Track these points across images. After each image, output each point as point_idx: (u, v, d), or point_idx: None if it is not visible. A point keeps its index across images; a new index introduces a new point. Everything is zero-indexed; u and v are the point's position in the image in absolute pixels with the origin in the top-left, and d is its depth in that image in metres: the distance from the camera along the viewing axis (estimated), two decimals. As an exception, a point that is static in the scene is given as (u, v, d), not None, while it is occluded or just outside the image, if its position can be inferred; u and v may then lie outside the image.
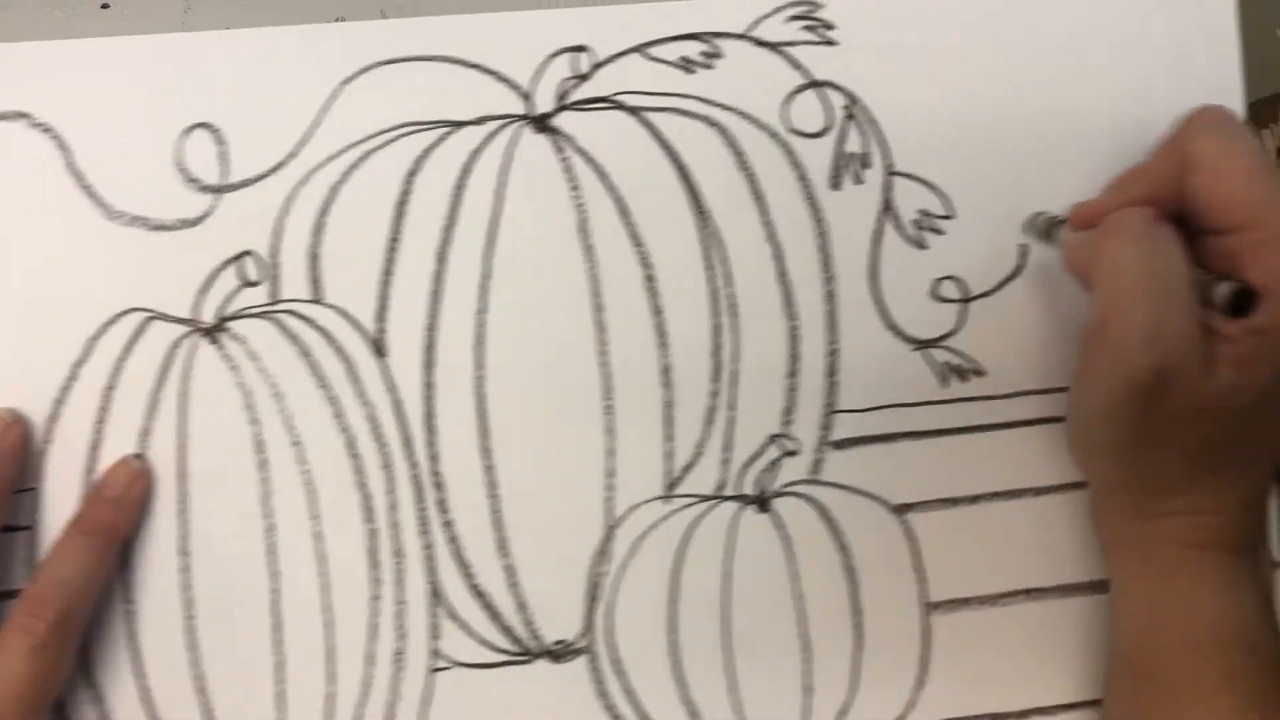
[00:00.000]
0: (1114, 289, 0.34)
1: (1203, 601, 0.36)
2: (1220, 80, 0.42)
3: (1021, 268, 0.42)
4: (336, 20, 0.40)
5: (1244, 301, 0.33)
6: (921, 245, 0.41)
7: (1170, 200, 0.36)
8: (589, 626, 0.40)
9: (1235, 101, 0.42)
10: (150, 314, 0.39)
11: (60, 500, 0.39)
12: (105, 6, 0.40)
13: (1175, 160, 0.35)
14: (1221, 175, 0.34)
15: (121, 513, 0.38)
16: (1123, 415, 0.35)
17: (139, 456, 0.39)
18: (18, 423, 0.38)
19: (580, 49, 0.41)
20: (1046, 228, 0.40)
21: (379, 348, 0.40)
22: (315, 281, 0.40)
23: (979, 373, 0.42)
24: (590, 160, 0.41)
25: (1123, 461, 0.37)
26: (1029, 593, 0.42)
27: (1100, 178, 0.41)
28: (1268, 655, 0.35)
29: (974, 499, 0.42)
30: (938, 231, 0.42)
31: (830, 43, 0.41)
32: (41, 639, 0.35)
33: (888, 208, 0.41)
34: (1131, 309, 0.34)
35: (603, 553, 0.40)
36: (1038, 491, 0.42)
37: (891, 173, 0.41)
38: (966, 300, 0.42)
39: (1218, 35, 0.42)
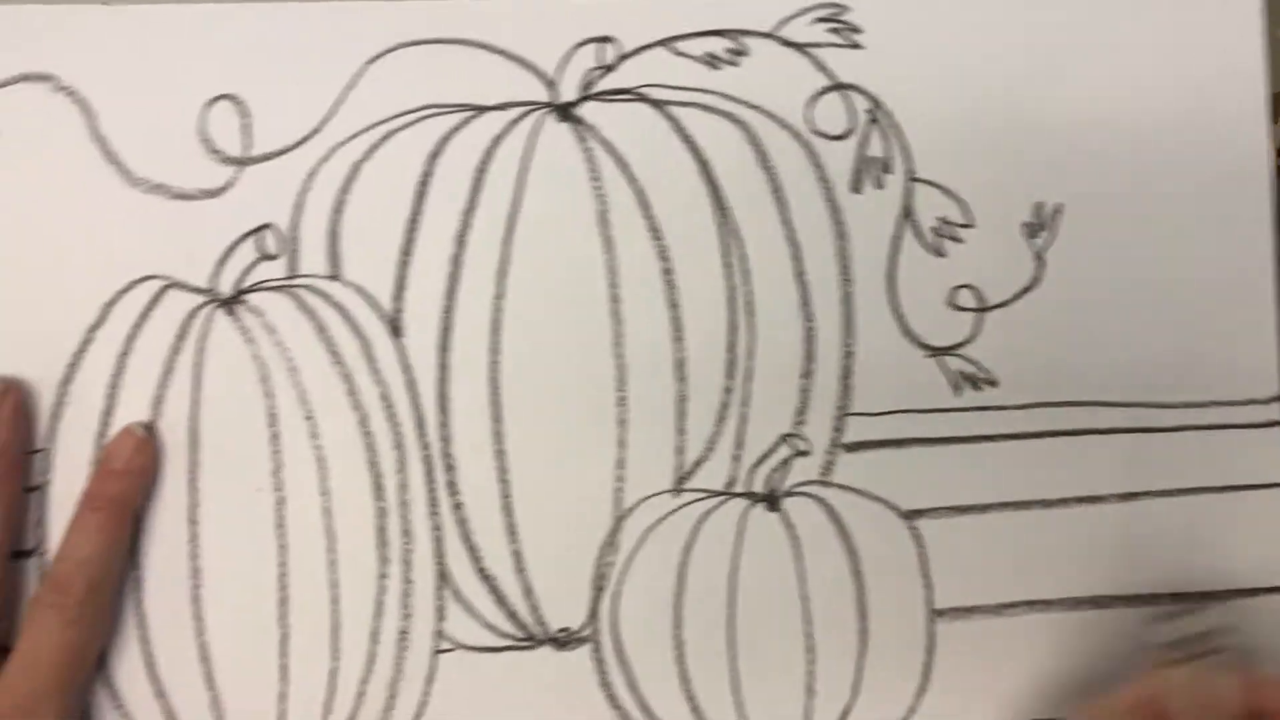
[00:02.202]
0: None
1: None
2: (1245, 84, 0.42)
3: (1038, 280, 0.42)
4: None
5: None
6: (940, 253, 0.42)
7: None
8: (594, 615, 0.40)
9: (1259, 102, 0.42)
10: (168, 282, 0.39)
11: (72, 462, 0.39)
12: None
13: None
14: None
15: (129, 484, 0.38)
16: None
17: (145, 425, 0.39)
18: (13, 390, 0.38)
19: (606, 40, 0.41)
20: (1184, 645, 0.39)
21: (395, 327, 0.40)
22: (334, 258, 0.40)
23: (992, 383, 0.42)
24: (612, 151, 0.41)
25: None
26: (1032, 604, 0.42)
27: (1124, 189, 0.41)
28: None
29: (983, 508, 0.42)
30: (956, 240, 0.42)
31: (856, 46, 0.41)
32: (73, 613, 0.36)
33: (908, 214, 0.41)
34: None
35: (610, 543, 0.40)
36: (1046, 504, 0.42)
37: (912, 179, 0.41)
38: (983, 310, 0.42)
39: (1243, 39, 0.42)
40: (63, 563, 0.37)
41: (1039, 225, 0.42)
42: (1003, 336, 0.42)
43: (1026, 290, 0.42)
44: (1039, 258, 0.42)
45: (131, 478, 0.38)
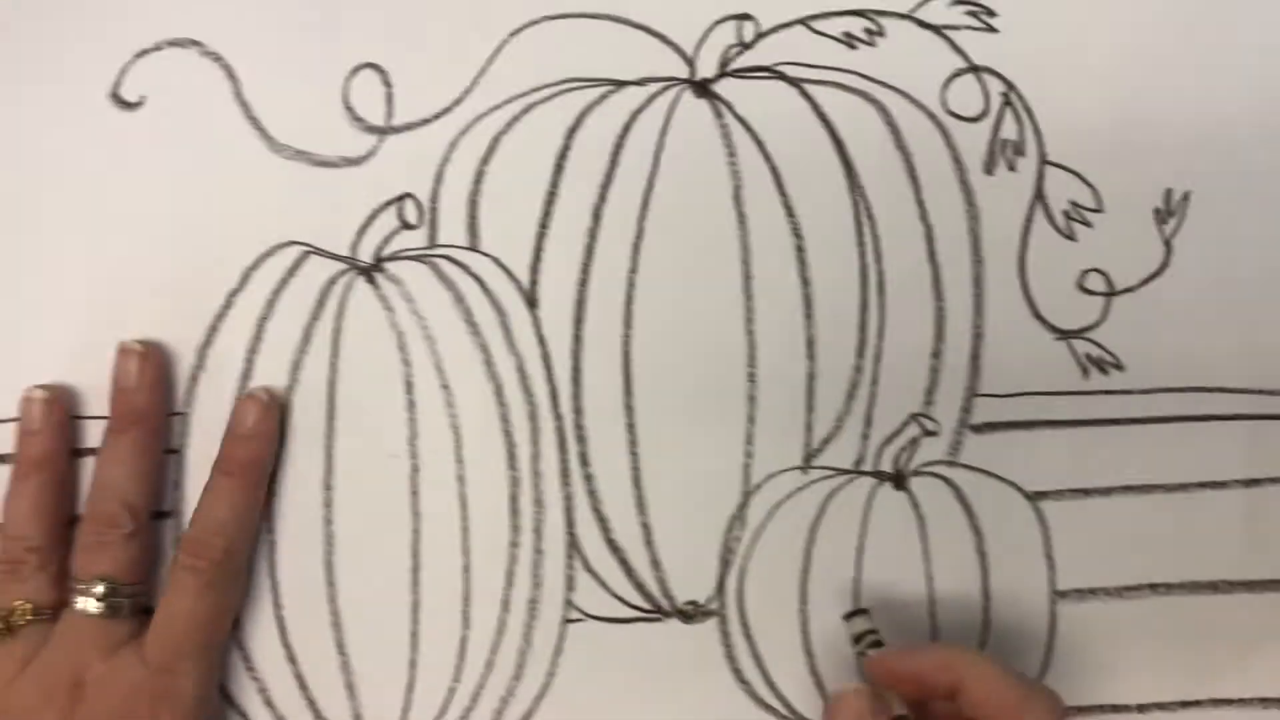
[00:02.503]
0: None
1: None
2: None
3: (1165, 267, 0.42)
4: None
5: None
6: (1070, 236, 0.42)
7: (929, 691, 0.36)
8: (721, 589, 0.41)
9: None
10: (309, 249, 0.40)
11: (210, 425, 0.39)
12: None
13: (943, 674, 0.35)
14: (981, 681, 0.35)
15: (258, 447, 0.39)
16: None
17: (268, 390, 0.39)
18: (153, 354, 0.39)
19: (745, 17, 0.41)
20: (861, 643, 0.39)
21: (531, 299, 0.40)
22: (472, 228, 0.40)
23: (1118, 367, 0.42)
24: (748, 128, 0.41)
25: None
26: (1154, 587, 0.42)
27: (1252, 178, 0.41)
28: None
29: (1106, 491, 0.42)
30: (1086, 224, 0.42)
31: (991, 29, 0.42)
32: (209, 576, 0.37)
33: (1039, 196, 0.42)
34: None
35: (738, 518, 0.41)
36: (1168, 488, 0.42)
37: (1045, 162, 0.42)
38: (1111, 294, 0.42)
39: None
40: (199, 526, 0.38)
41: (1168, 212, 0.42)
42: (1130, 321, 0.42)
43: (1154, 276, 0.42)
44: (1167, 244, 0.42)
45: (259, 441, 0.39)
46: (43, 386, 0.38)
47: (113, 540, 0.37)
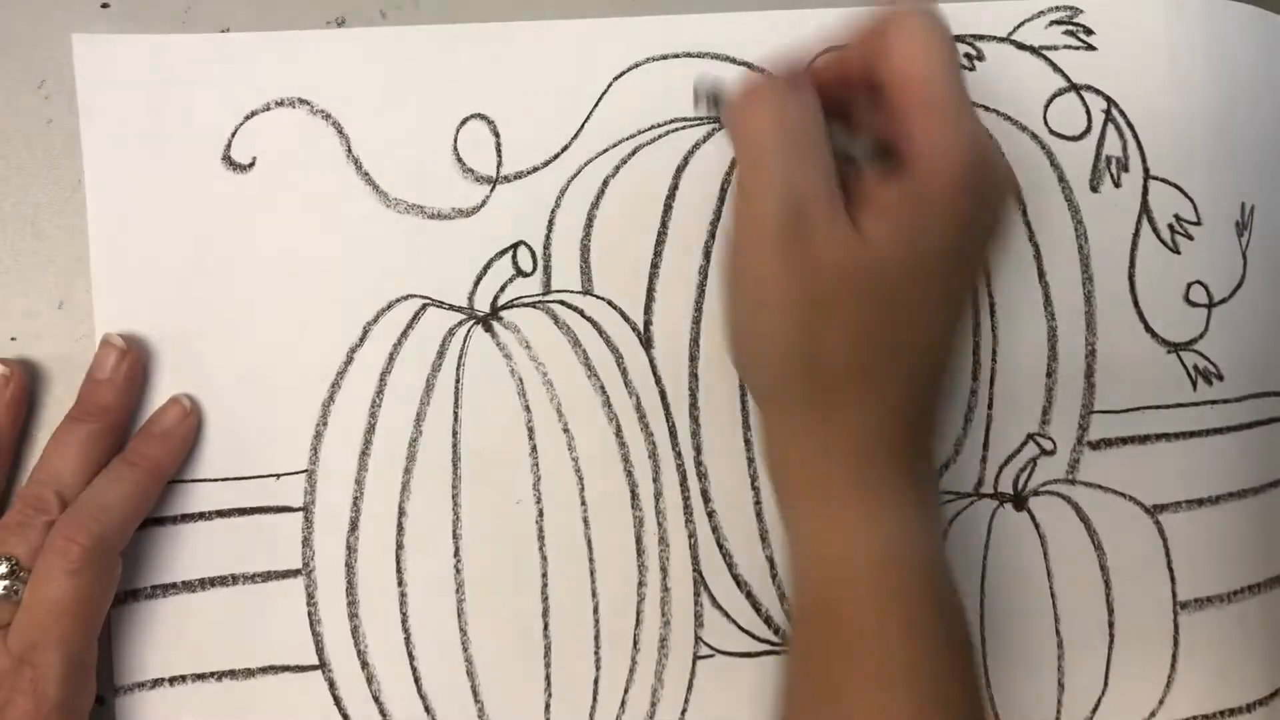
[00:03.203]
0: (749, 149, 0.33)
1: (882, 537, 0.33)
2: None
3: (1244, 277, 0.42)
4: (336, 20, 0.40)
5: (884, 154, 0.33)
6: (1175, 250, 0.42)
7: (836, 76, 0.35)
8: (849, 618, 0.41)
9: None
10: (427, 301, 0.40)
11: (335, 482, 0.40)
12: (105, 5, 0.40)
13: (868, 38, 0.34)
14: (919, 58, 0.33)
15: (166, 448, 0.38)
16: (772, 281, 0.32)
17: (189, 397, 0.39)
18: (132, 351, 0.38)
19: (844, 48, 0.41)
20: (712, 98, 0.36)
21: (646, 339, 0.41)
22: (585, 273, 0.40)
23: (1219, 377, 0.42)
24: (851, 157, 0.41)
25: (786, 349, 0.33)
26: (1252, 588, 0.42)
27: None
28: (927, 575, 0.34)
29: (1215, 499, 0.42)
30: (1188, 237, 0.42)
31: (1090, 47, 0.42)
32: (76, 563, 0.35)
33: (1145, 211, 0.42)
34: (765, 164, 0.32)
35: (862, 546, 0.41)
36: (1268, 488, 0.43)
37: (1149, 176, 0.42)
38: (1210, 305, 0.42)
39: None
40: (83, 503, 0.36)
41: (1244, 224, 0.42)
42: (1225, 331, 0.42)
43: (1239, 287, 0.43)
44: (1244, 256, 0.42)
45: (171, 443, 0.38)
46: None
47: (34, 524, 0.36)
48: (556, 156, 0.40)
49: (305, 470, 0.40)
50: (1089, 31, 0.42)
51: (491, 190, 0.40)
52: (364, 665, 0.39)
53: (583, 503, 0.40)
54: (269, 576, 0.39)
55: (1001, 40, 0.41)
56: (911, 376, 0.34)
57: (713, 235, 0.41)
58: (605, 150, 0.41)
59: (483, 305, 0.40)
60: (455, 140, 0.40)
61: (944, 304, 0.34)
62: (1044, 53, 0.42)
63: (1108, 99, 0.42)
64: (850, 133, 0.34)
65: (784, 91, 0.33)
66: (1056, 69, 0.42)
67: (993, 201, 0.34)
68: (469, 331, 0.40)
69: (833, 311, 0.32)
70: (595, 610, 0.40)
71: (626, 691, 0.40)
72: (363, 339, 0.40)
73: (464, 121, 0.40)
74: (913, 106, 0.32)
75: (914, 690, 0.32)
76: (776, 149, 0.32)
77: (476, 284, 0.40)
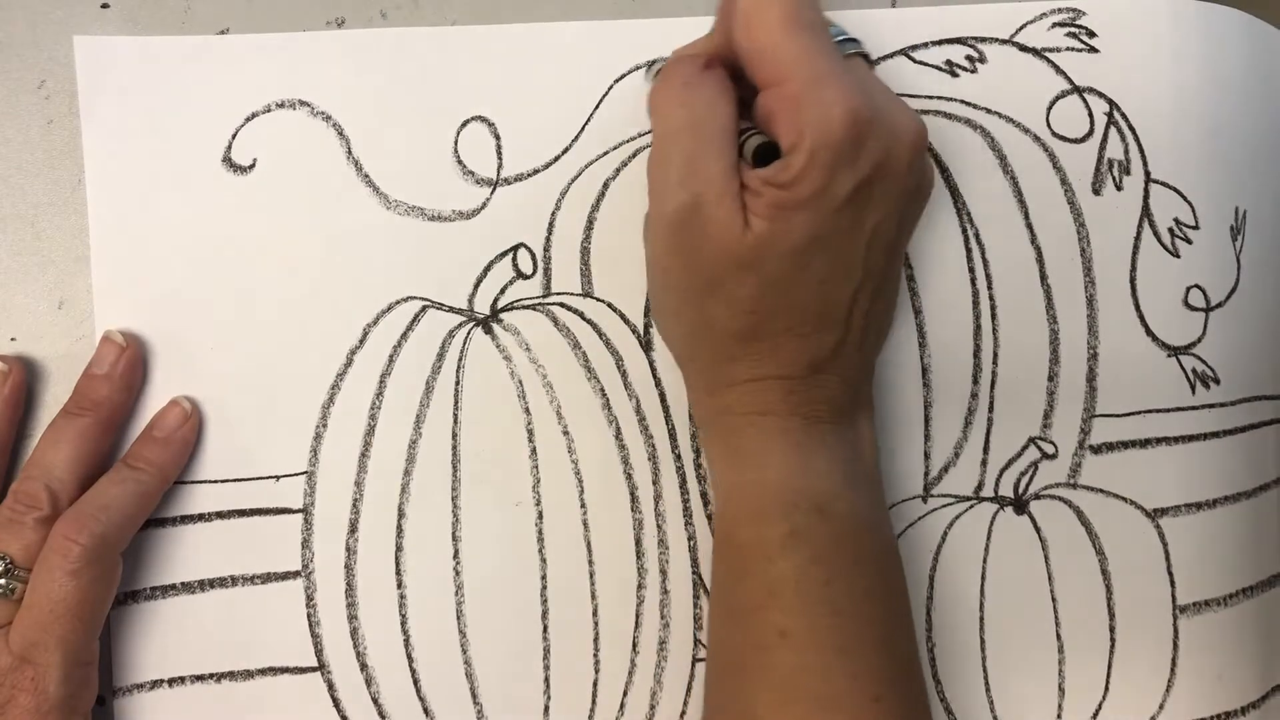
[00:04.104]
0: (656, 134, 0.35)
1: (771, 468, 0.35)
2: None
3: (1238, 282, 0.42)
4: (336, 21, 0.40)
5: (768, 156, 0.34)
6: (1175, 253, 0.42)
7: (728, 54, 0.35)
8: (849, 621, 0.41)
9: None
10: (427, 303, 0.40)
11: (335, 483, 0.40)
12: (105, 6, 0.40)
13: (725, 13, 0.35)
14: (754, 28, 0.33)
15: (168, 452, 0.38)
16: (670, 259, 0.35)
17: (189, 400, 0.39)
18: (132, 348, 0.39)
19: (846, 49, 0.41)
20: (652, 76, 0.38)
21: (645, 341, 0.40)
22: (585, 275, 0.40)
23: (1216, 380, 0.42)
24: (853, 160, 0.41)
25: (688, 325, 0.36)
26: (1246, 591, 0.42)
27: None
28: (837, 516, 0.35)
29: (1212, 503, 0.42)
30: (1188, 241, 0.42)
31: (1092, 50, 0.42)
32: (76, 562, 0.35)
33: (1146, 214, 0.42)
34: (668, 152, 0.34)
35: (862, 549, 0.41)
36: (1264, 489, 0.43)
37: (1150, 180, 0.42)
38: (1208, 309, 0.42)
39: None
40: (86, 502, 0.36)
41: (1238, 229, 0.42)
42: (1222, 335, 0.42)
43: (1233, 291, 0.42)
44: (1238, 260, 0.42)
45: (171, 446, 0.38)
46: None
47: (25, 521, 0.36)
48: (557, 159, 0.40)
49: (305, 472, 0.40)
50: (1091, 34, 0.41)
51: (492, 192, 0.40)
52: (363, 667, 0.39)
53: (582, 505, 0.40)
54: (268, 578, 0.39)
55: (1004, 42, 0.41)
56: (804, 336, 0.35)
57: (713, 237, 0.41)
58: (606, 153, 0.40)
59: (483, 307, 0.40)
60: (456, 142, 0.40)
61: (844, 269, 0.35)
62: (1046, 55, 0.41)
63: (1110, 101, 0.41)
64: (748, 130, 0.35)
65: (694, 78, 0.35)
66: (1059, 71, 0.41)
67: (879, 162, 0.33)
68: (469, 333, 0.40)
69: (719, 291, 0.34)
70: (594, 612, 0.40)
71: (625, 694, 0.40)
72: (362, 341, 0.40)
73: (464, 123, 0.40)
74: (768, 92, 0.33)
75: (802, 598, 0.34)
76: (682, 142, 0.34)
77: (476, 286, 0.40)
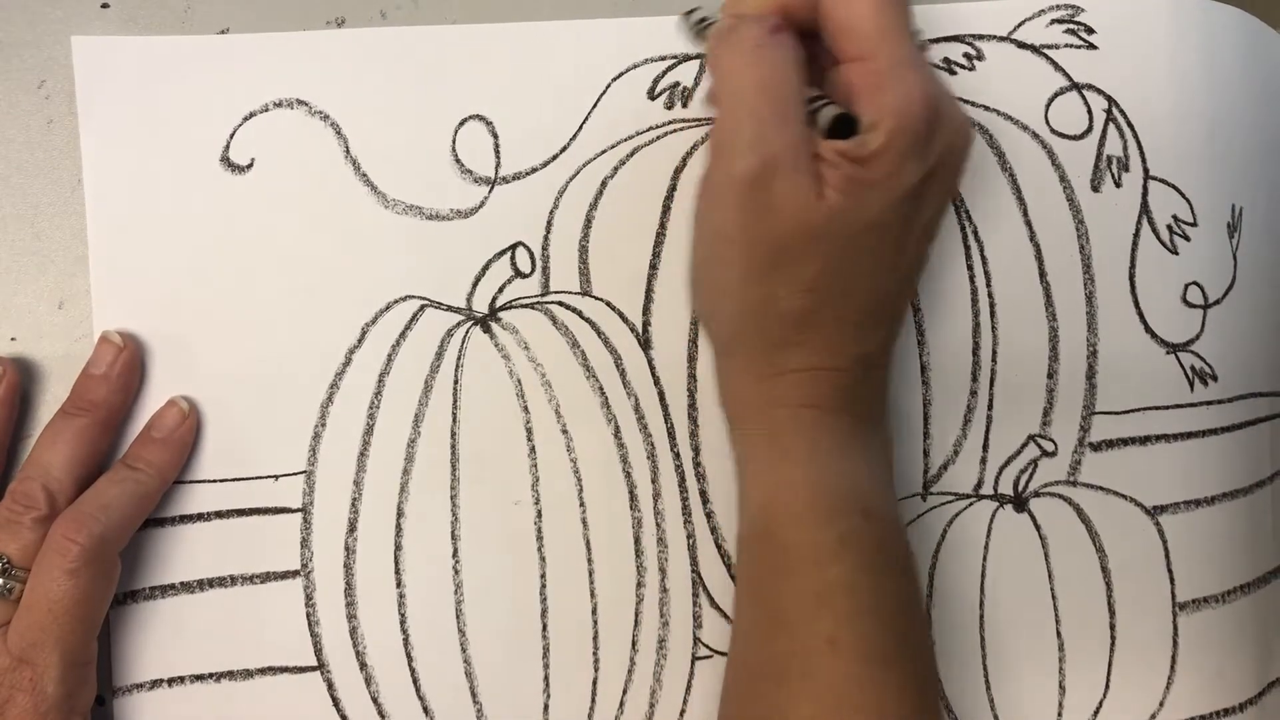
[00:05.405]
0: (724, 96, 0.34)
1: (820, 467, 0.34)
2: None
3: (1235, 279, 0.42)
4: (336, 21, 0.40)
5: (844, 128, 0.33)
6: (1174, 250, 0.42)
7: (808, 19, 0.34)
8: (848, 620, 0.41)
9: None
10: (425, 302, 0.40)
11: (334, 483, 0.40)
12: (105, 6, 0.40)
13: None
14: (844, 1, 0.33)
15: (166, 452, 0.38)
16: (735, 227, 0.34)
17: (187, 399, 0.39)
18: (130, 349, 0.38)
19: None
20: (698, 29, 0.37)
21: (644, 340, 0.40)
22: (584, 274, 0.40)
23: (1214, 378, 0.42)
24: (851, 158, 0.41)
25: (744, 304, 0.35)
26: (1244, 588, 0.42)
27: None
28: (880, 520, 0.35)
29: (1211, 500, 0.42)
30: (1186, 238, 0.42)
31: (1091, 46, 0.41)
32: (74, 562, 0.35)
33: (1145, 211, 0.41)
34: (738, 115, 0.33)
35: (861, 547, 0.41)
36: (1260, 486, 0.42)
37: (1149, 177, 0.41)
38: (1206, 306, 0.42)
39: None
40: (86, 501, 0.36)
41: (1234, 226, 0.42)
42: (1219, 332, 0.42)
43: (1230, 288, 0.42)
44: (1235, 257, 0.42)
45: (170, 447, 0.38)
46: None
47: (23, 521, 0.36)
48: (555, 157, 0.40)
49: (304, 471, 0.40)
50: (1090, 30, 0.41)
51: (490, 191, 0.40)
52: (362, 666, 0.39)
53: (581, 504, 0.40)
54: (268, 577, 0.39)
55: (1002, 39, 0.41)
56: (858, 327, 0.34)
57: (711, 236, 0.41)
58: (604, 151, 0.40)
59: (481, 306, 0.40)
60: (454, 141, 0.40)
61: (894, 261, 0.34)
62: (1045, 51, 0.41)
63: (1109, 98, 0.41)
64: (820, 100, 0.34)
65: (763, 39, 0.33)
66: (1058, 68, 0.41)
67: (942, 158, 0.33)
68: (467, 332, 0.40)
69: (783, 265, 0.33)
70: (594, 611, 0.40)
71: (625, 692, 0.40)
72: (361, 340, 0.40)
73: (462, 122, 0.40)
74: (851, 66, 0.33)
75: (853, 605, 0.33)
76: (753, 105, 0.33)
77: (475, 285, 0.40)
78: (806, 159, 0.33)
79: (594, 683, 0.40)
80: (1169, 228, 0.42)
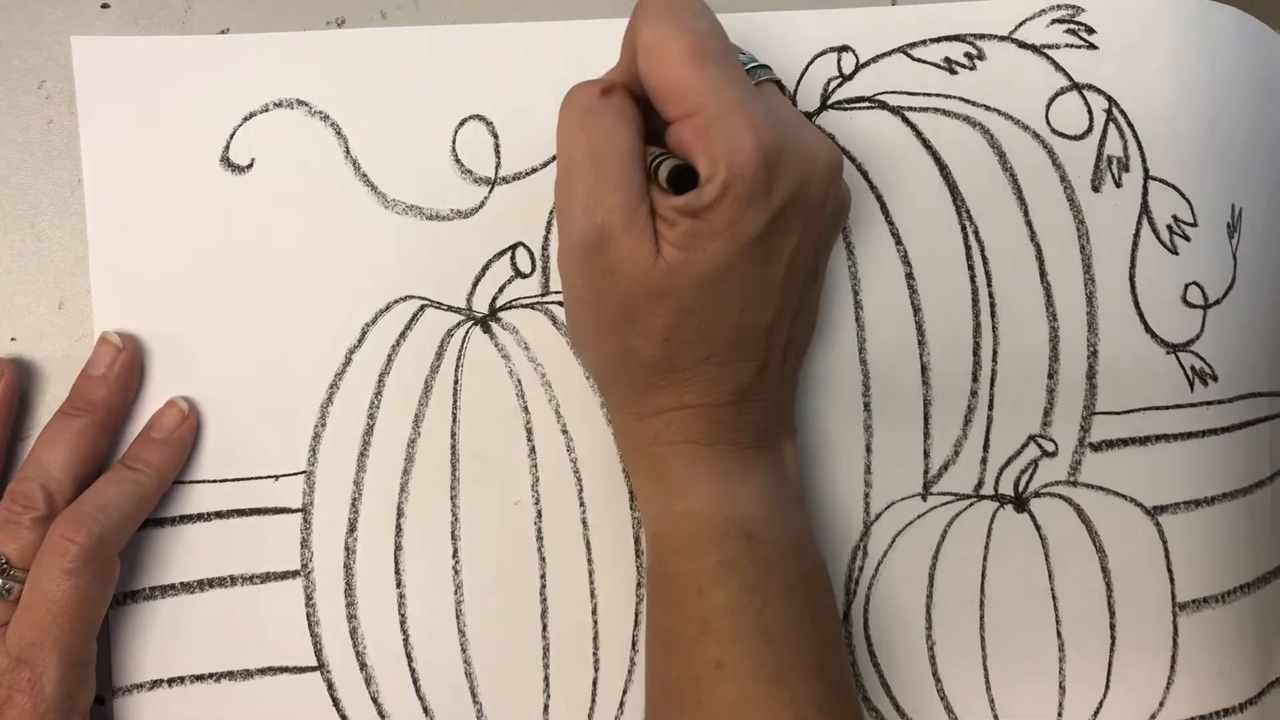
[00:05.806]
0: (559, 163, 0.35)
1: (699, 497, 0.35)
2: None
3: (1235, 279, 0.42)
4: (336, 21, 0.40)
5: (687, 180, 0.32)
6: (1174, 251, 0.42)
7: (637, 84, 0.34)
8: (846, 618, 0.41)
9: None
10: (425, 302, 0.40)
11: (333, 483, 0.40)
12: (105, 6, 0.40)
13: (630, 47, 0.34)
14: (658, 63, 0.32)
15: (166, 452, 0.38)
16: (582, 290, 0.35)
17: (187, 400, 0.39)
18: (129, 349, 0.39)
19: (844, 49, 0.41)
20: None
21: (644, 340, 0.40)
22: (584, 273, 0.40)
23: (1214, 378, 0.42)
24: (852, 158, 0.41)
25: (606, 354, 0.36)
26: (1243, 588, 0.42)
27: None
28: (767, 542, 0.35)
29: (1211, 500, 0.42)
30: (1186, 238, 0.42)
31: (1092, 46, 0.41)
32: (73, 562, 0.35)
33: (1145, 211, 0.41)
34: (570, 182, 0.34)
35: (860, 547, 0.41)
36: (1260, 486, 0.42)
37: (1149, 177, 0.41)
38: (1206, 307, 0.42)
39: None
40: (85, 502, 0.36)
41: (1234, 226, 0.42)
42: (1219, 332, 0.42)
43: (1230, 288, 0.42)
44: (1234, 257, 0.42)
45: (170, 448, 0.38)
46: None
47: (22, 521, 0.36)
48: (555, 157, 0.40)
49: (304, 471, 0.40)
50: (1090, 30, 0.41)
51: (490, 191, 0.40)
52: (362, 666, 0.39)
53: (581, 503, 0.40)
54: (267, 578, 0.39)
55: (1003, 39, 0.41)
56: (725, 365, 0.35)
57: (712, 236, 0.41)
58: (604, 150, 0.40)
59: (481, 306, 0.40)
60: (454, 141, 0.40)
61: (760, 297, 0.34)
62: (1046, 51, 0.41)
63: (1109, 98, 0.41)
64: (661, 155, 0.34)
65: (590, 104, 0.34)
66: (1058, 68, 0.41)
67: (796, 191, 0.33)
68: (467, 332, 0.40)
69: (634, 319, 0.34)
70: (594, 611, 0.40)
71: (625, 692, 0.40)
72: (361, 340, 0.40)
73: (463, 122, 0.40)
74: (680, 124, 0.33)
75: (737, 627, 0.33)
76: (583, 171, 0.33)
77: (475, 285, 0.40)
78: (643, 218, 0.33)
79: (594, 683, 0.40)
80: (1169, 228, 0.42)
